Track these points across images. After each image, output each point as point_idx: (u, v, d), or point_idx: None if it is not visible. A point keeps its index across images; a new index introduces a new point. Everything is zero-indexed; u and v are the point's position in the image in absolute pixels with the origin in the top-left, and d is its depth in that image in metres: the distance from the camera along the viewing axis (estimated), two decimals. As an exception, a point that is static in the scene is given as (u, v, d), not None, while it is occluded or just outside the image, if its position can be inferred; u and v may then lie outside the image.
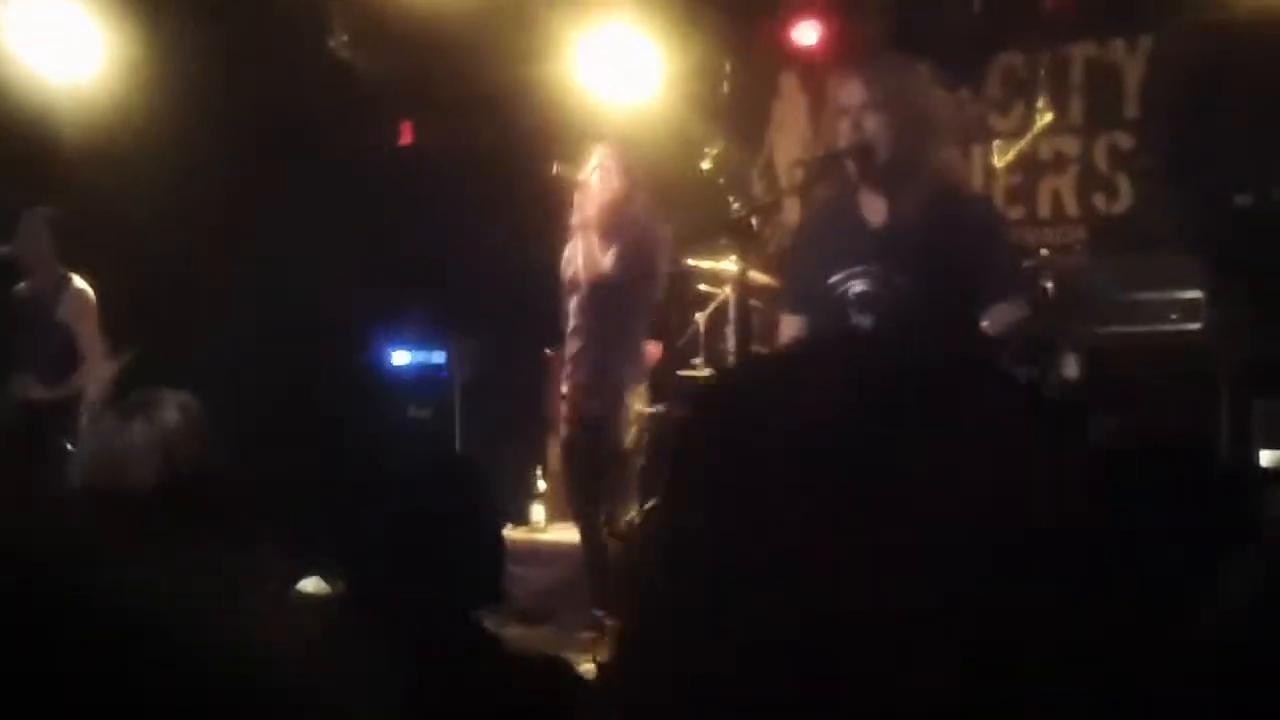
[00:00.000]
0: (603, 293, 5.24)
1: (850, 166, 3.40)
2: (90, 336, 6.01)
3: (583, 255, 5.29)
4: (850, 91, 3.44)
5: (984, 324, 3.32)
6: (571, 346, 5.46)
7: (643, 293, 5.34)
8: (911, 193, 3.39)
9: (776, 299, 3.91)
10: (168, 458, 3.19)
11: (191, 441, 3.24)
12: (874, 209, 3.45)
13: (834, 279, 3.45)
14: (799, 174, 3.81)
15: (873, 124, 3.36)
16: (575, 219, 5.37)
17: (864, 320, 3.42)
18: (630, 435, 5.20)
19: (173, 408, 3.19)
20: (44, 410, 5.82)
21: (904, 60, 3.99)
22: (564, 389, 5.48)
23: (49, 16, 6.40)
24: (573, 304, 5.44)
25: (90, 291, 6.12)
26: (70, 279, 6.10)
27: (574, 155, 5.52)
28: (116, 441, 3.18)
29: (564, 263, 5.50)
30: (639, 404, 5.31)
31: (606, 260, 5.21)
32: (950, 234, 3.33)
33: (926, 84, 4.13)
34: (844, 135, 3.40)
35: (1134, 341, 5.34)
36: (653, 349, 5.82)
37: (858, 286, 3.42)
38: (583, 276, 5.30)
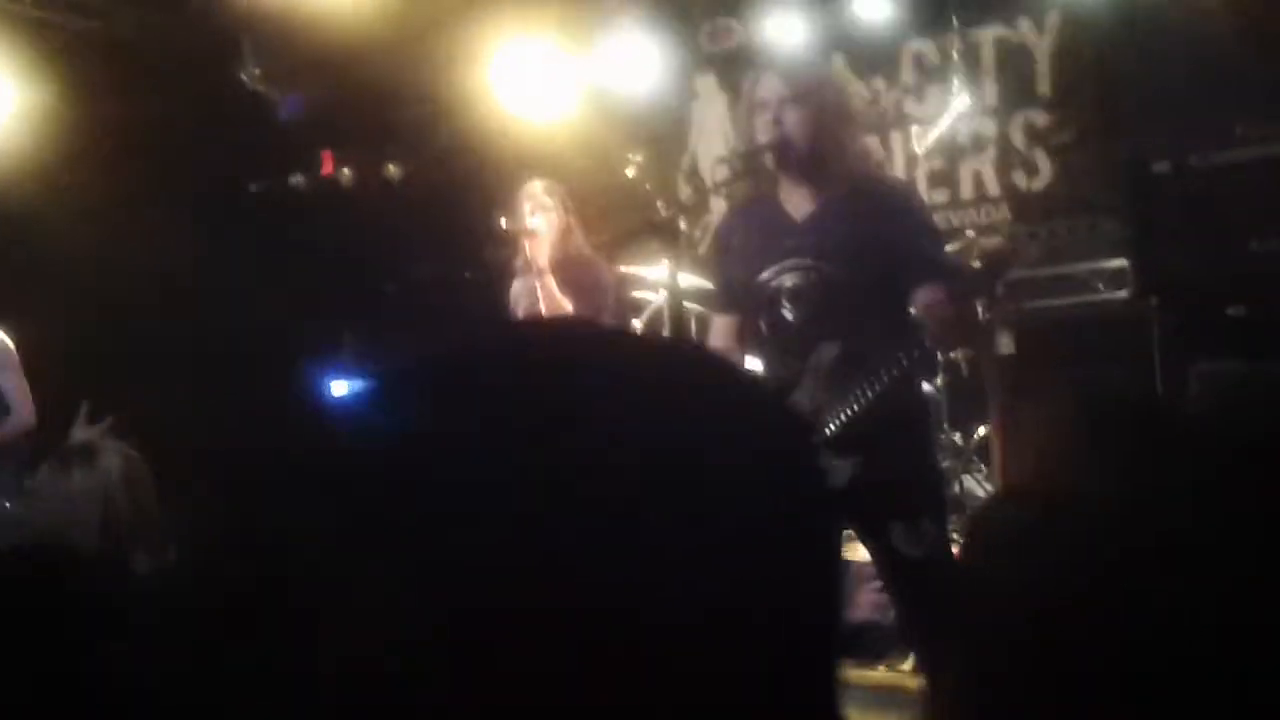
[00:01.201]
0: None
1: (771, 161, 3.41)
2: (13, 388, 5.91)
3: (545, 301, 5.32)
4: (767, 87, 3.46)
5: (912, 309, 3.34)
6: None
7: None
8: (832, 183, 3.42)
9: (710, 299, 3.92)
10: (110, 506, 3.12)
11: (135, 489, 3.18)
12: (796, 202, 3.47)
13: (764, 276, 3.46)
14: (722, 172, 3.81)
15: (791, 118, 3.38)
16: (527, 264, 5.41)
17: (797, 313, 3.43)
18: None
19: (113, 454, 3.12)
20: None
21: (817, 55, 4.02)
22: None
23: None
24: None
25: (9, 342, 6.01)
26: None
27: (511, 203, 5.53)
28: (57, 492, 3.11)
29: (513, 303, 5.56)
30: None
31: (569, 304, 5.27)
32: (873, 221, 3.35)
33: (840, 77, 4.17)
34: (763, 131, 3.41)
35: (1065, 313, 5.42)
36: None
37: (788, 281, 3.42)
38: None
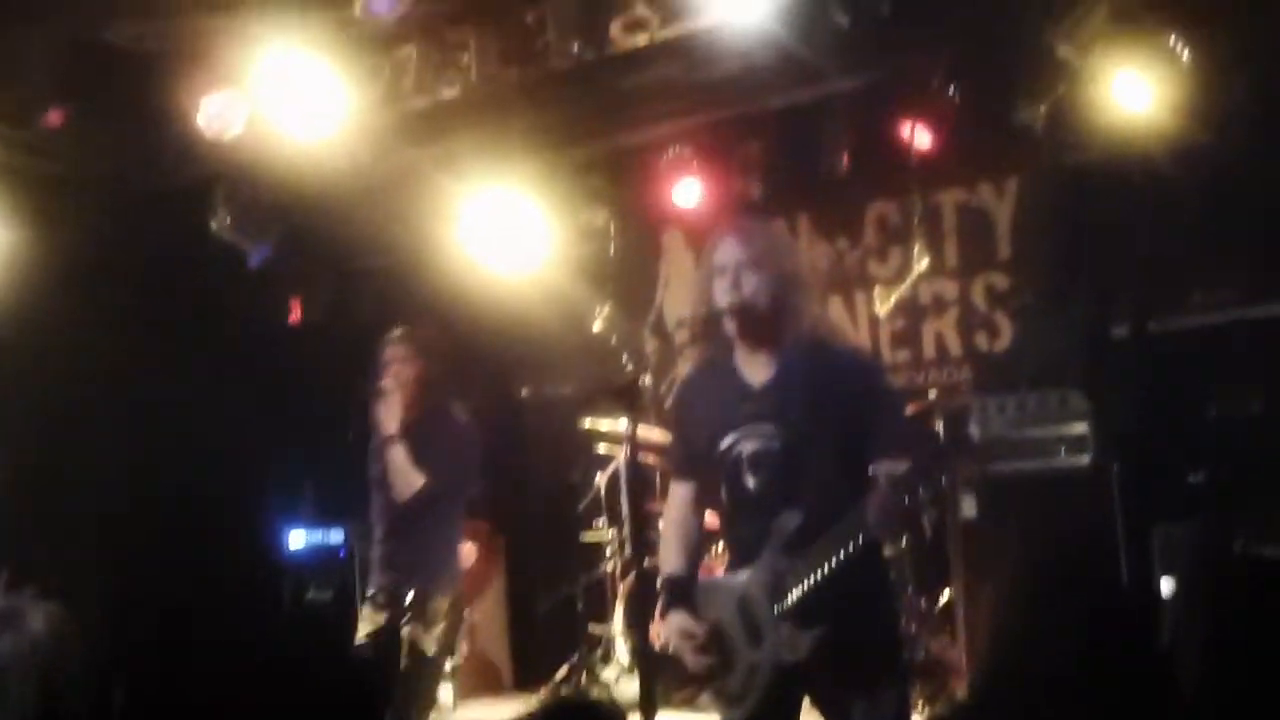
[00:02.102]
0: (416, 507, 4.88)
1: (730, 325, 3.42)
2: None
3: (393, 472, 4.90)
4: (725, 252, 3.48)
5: (873, 476, 3.30)
6: (378, 551, 5.05)
7: (457, 497, 5.04)
8: (790, 348, 3.42)
9: (670, 464, 3.89)
10: (43, 671, 3.04)
11: (65, 651, 3.10)
12: (754, 367, 3.46)
13: (724, 443, 3.43)
14: (684, 334, 3.83)
15: (749, 283, 3.39)
16: (380, 428, 4.96)
17: (758, 479, 3.39)
18: (436, 638, 4.86)
19: (39, 616, 3.05)
20: None
21: (774, 219, 4.07)
22: (369, 590, 5.08)
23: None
24: (377, 506, 5.05)
25: None
26: None
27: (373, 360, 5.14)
28: None
29: (370, 459, 5.10)
30: (444, 607, 4.95)
31: (418, 478, 4.86)
32: (832, 388, 3.34)
33: (796, 241, 4.22)
34: (721, 295, 3.42)
35: (1028, 477, 5.40)
36: (467, 550, 5.52)
37: (749, 447, 3.40)
38: (395, 493, 4.90)
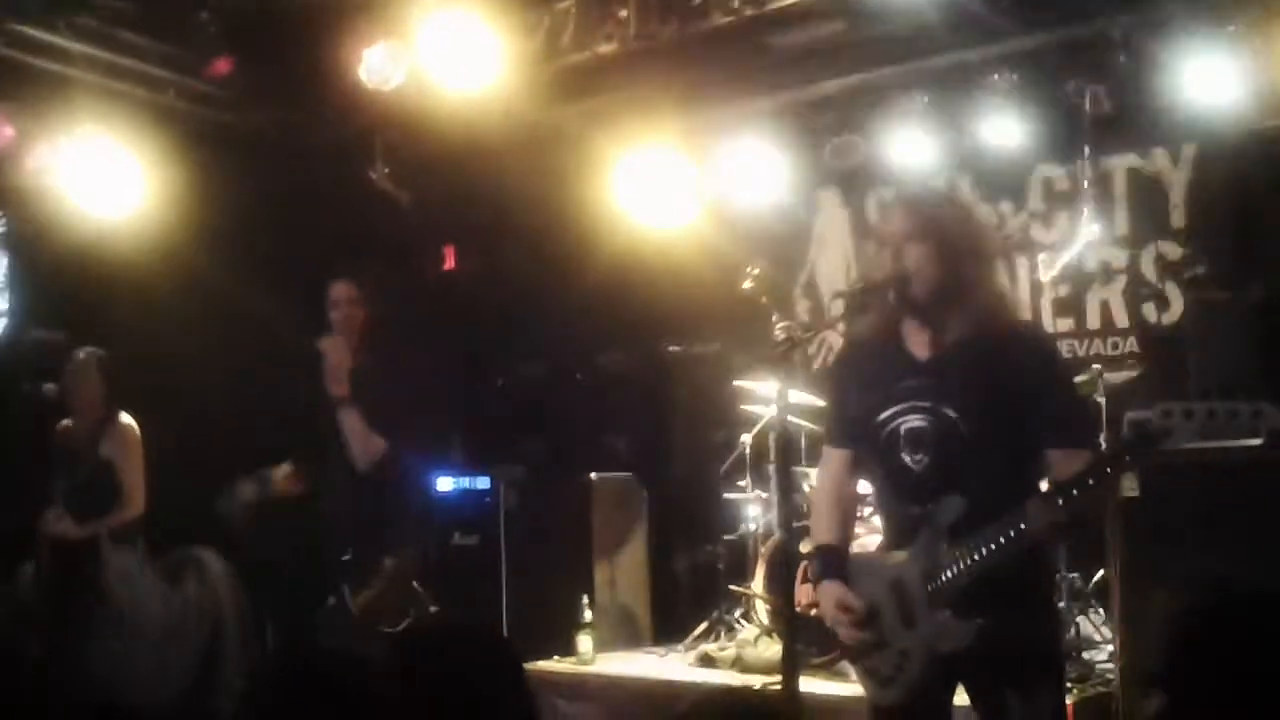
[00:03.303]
0: (377, 471, 4.72)
1: (893, 298, 3.29)
2: (132, 472, 6.00)
3: (351, 436, 4.69)
4: (889, 221, 3.35)
5: (1043, 462, 3.18)
6: (339, 511, 4.95)
7: (417, 456, 4.93)
8: (958, 324, 3.26)
9: (821, 417, 3.80)
10: (218, 612, 3.17)
11: (233, 595, 3.23)
12: (919, 342, 3.32)
13: (883, 415, 3.32)
14: (838, 306, 3.73)
15: (913, 254, 3.24)
16: (331, 383, 4.75)
17: (917, 459, 3.27)
18: (363, 597, 4.69)
19: (216, 564, 3.18)
20: (74, 550, 5.71)
21: (944, 187, 3.92)
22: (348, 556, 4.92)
23: (93, 156, 6.49)
24: (336, 465, 4.85)
25: (135, 427, 6.13)
26: (116, 415, 6.13)
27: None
28: (172, 604, 3.17)
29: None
30: (383, 568, 4.74)
31: (377, 443, 4.70)
32: (1000, 368, 3.18)
33: (967, 211, 4.06)
34: (884, 266, 3.29)
35: (1193, 456, 5.17)
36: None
37: (909, 423, 3.27)
38: (357, 458, 4.73)
